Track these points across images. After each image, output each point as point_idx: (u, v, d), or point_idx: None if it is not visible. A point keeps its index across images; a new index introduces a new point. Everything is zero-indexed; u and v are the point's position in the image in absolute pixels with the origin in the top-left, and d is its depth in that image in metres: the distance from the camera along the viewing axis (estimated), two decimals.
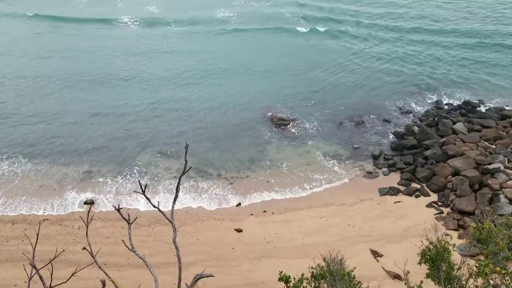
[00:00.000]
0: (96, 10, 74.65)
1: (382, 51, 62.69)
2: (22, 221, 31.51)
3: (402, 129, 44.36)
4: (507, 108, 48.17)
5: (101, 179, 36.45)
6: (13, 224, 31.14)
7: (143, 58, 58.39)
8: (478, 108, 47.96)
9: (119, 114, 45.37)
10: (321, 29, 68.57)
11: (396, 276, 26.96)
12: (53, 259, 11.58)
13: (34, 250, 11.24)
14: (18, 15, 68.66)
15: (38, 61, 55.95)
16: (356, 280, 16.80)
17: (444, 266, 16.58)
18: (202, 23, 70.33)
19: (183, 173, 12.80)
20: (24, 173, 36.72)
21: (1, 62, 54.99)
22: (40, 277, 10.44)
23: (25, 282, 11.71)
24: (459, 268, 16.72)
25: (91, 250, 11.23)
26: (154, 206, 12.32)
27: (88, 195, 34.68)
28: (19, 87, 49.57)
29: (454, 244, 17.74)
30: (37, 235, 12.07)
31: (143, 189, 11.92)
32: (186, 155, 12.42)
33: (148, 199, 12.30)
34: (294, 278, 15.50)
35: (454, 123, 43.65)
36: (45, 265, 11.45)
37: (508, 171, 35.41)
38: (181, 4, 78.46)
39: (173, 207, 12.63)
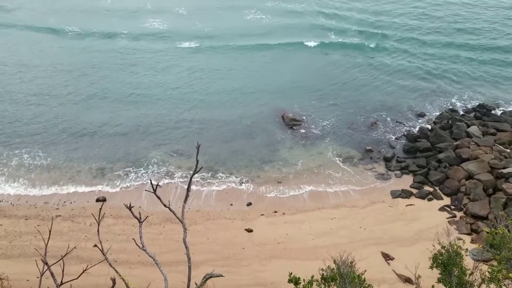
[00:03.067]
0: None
1: (397, 54, 62.10)
2: (35, 217, 31.89)
3: (416, 132, 43.99)
4: None
5: (113, 176, 36.79)
6: (26, 219, 31.53)
7: (161, 59, 58.55)
8: (493, 112, 47.31)
9: (134, 114, 45.66)
10: (338, 38, 67.11)
11: (407, 280, 26.76)
12: (64, 256, 11.71)
13: (46, 246, 11.37)
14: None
15: (60, 61, 56.57)
16: (366, 283, 16.69)
17: (456, 271, 16.41)
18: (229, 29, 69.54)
19: (194, 173, 12.83)
20: (43, 168, 37.39)
21: (28, 63, 55.82)
22: (52, 274, 10.54)
23: (37, 277, 11.85)
24: (472, 273, 16.54)
25: (102, 248, 11.31)
26: (165, 206, 12.37)
27: (101, 192, 34.99)
28: (41, 85, 50.25)
29: (467, 249, 17.56)
30: (50, 231, 12.22)
31: (155, 188, 11.98)
32: (197, 155, 12.44)
33: (159, 198, 12.36)
34: (304, 280, 15.46)
35: (468, 126, 43.14)
36: (57, 262, 11.57)
37: None
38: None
39: (183, 206, 12.66)
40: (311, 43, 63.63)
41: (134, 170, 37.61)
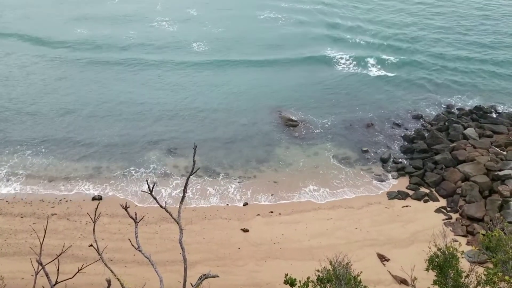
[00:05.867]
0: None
1: (394, 54, 62.11)
2: (30, 215, 31.75)
3: (412, 133, 44.02)
4: None
5: (110, 175, 36.67)
6: (21, 217, 31.39)
7: (161, 57, 58.51)
8: (489, 114, 47.42)
9: (131, 113, 45.58)
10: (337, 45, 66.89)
11: (403, 281, 26.77)
12: (59, 255, 11.64)
13: (41, 244, 11.31)
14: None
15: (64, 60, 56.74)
16: (362, 285, 16.68)
17: (452, 273, 16.42)
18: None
19: (191, 174, 12.79)
20: (39, 166, 37.35)
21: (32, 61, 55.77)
22: (46, 274, 10.47)
23: (32, 275, 11.79)
24: (467, 275, 16.55)
25: (97, 247, 11.26)
26: (161, 206, 12.32)
27: (97, 191, 34.87)
28: (41, 85, 50.26)
29: (463, 251, 17.56)
30: (45, 230, 12.13)
31: (151, 189, 11.92)
32: (194, 155, 12.40)
33: (155, 198, 12.30)
34: (300, 281, 15.44)
35: (465, 128, 43.22)
36: (52, 261, 11.51)
37: None
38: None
39: (180, 207, 12.61)
40: (313, 52, 63.26)
41: (131, 169, 37.48)
